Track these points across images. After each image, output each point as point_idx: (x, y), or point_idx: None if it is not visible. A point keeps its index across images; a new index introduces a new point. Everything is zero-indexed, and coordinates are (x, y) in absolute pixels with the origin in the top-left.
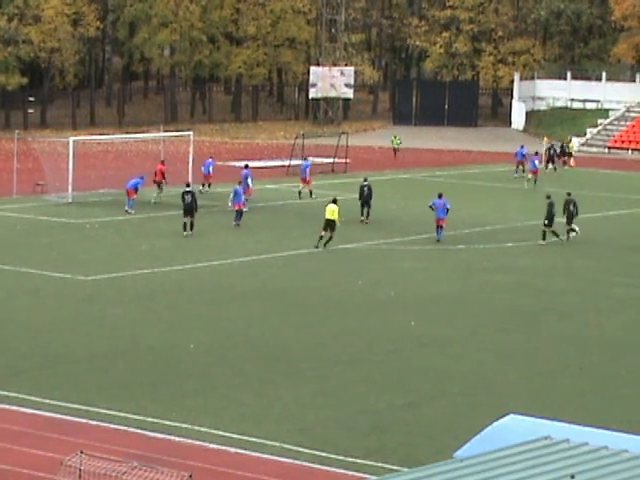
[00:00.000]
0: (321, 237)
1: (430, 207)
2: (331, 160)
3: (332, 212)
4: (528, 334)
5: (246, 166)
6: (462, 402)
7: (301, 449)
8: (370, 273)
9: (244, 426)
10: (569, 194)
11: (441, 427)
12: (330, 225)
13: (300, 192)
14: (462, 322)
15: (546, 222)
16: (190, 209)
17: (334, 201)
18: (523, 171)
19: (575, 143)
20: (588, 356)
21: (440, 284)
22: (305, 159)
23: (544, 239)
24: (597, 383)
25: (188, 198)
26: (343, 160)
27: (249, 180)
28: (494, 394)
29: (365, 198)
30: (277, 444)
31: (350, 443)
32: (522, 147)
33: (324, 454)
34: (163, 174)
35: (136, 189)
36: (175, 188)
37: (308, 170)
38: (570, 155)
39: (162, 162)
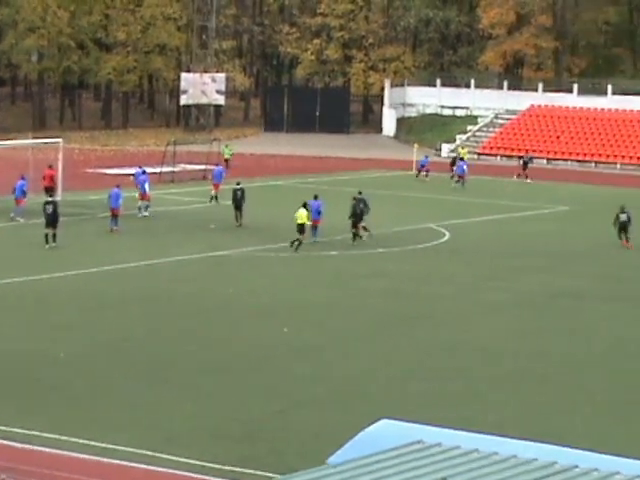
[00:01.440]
0: (298, 240)
1: (304, 206)
2: (203, 167)
3: (302, 216)
4: (401, 339)
5: (144, 172)
6: (335, 408)
7: (170, 457)
8: (242, 280)
9: (112, 435)
10: (360, 193)
11: (314, 433)
12: (301, 229)
13: (215, 197)
14: (335, 328)
15: (353, 220)
16: (52, 220)
17: (304, 206)
18: (424, 176)
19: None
20: (459, 361)
21: (313, 290)
22: (217, 165)
23: (355, 240)
24: (469, 387)
25: (49, 209)
26: (215, 167)
27: (146, 185)
28: (367, 399)
29: (238, 202)
30: (146, 452)
31: (220, 451)
32: (426, 157)
33: (193, 462)
34: (52, 179)
35: (24, 193)
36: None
37: (224, 175)
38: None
39: (50, 167)
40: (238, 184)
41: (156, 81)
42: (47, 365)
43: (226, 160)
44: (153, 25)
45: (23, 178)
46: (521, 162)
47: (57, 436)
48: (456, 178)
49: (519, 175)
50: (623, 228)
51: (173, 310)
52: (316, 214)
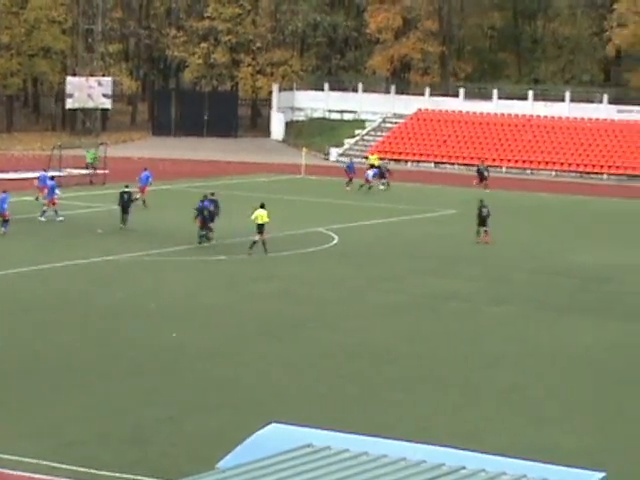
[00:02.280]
0: (255, 242)
1: (196, 210)
2: (90, 171)
3: (262, 216)
4: (292, 343)
5: (52, 177)
6: (226, 412)
7: (61, 465)
8: (132, 285)
9: (1, 443)
10: (212, 194)
11: (205, 438)
12: (261, 229)
13: (144, 201)
14: (226, 333)
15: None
16: None
17: (262, 206)
18: (350, 182)
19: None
20: (349, 364)
21: (203, 295)
22: (145, 169)
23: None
24: (361, 390)
25: None
26: (102, 171)
27: (57, 190)
28: (258, 404)
29: (125, 205)
30: (35, 461)
31: (112, 457)
32: (352, 162)
33: (84, 469)
34: None
35: None
36: None
37: (151, 179)
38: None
39: None
40: (126, 187)
41: (41, 85)
42: None
43: (88, 165)
44: (37, 28)
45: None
46: (476, 172)
47: None
48: (371, 183)
49: (477, 184)
50: (483, 223)
51: (62, 315)
52: (210, 216)
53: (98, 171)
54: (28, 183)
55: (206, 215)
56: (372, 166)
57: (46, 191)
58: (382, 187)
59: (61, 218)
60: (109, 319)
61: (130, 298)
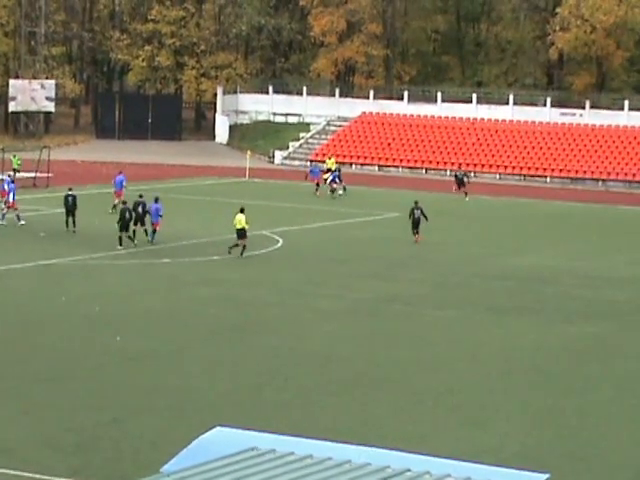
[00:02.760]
0: (236, 245)
1: (242, 210)
2: (33, 174)
3: (240, 221)
4: (234, 347)
5: (13, 181)
6: (169, 416)
7: (2, 470)
8: (74, 289)
9: None
10: (141, 195)
11: (148, 442)
12: (241, 234)
13: (114, 206)
14: (169, 336)
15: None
16: None
17: (241, 210)
18: (318, 187)
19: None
20: (292, 368)
21: (146, 298)
22: (120, 172)
23: (121, 244)
24: (301, 394)
25: None
26: (45, 174)
27: (12, 195)
28: (201, 407)
29: (70, 207)
30: None
31: (54, 462)
32: (315, 166)
33: (27, 474)
34: None
35: None
36: None
37: (125, 183)
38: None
39: None
40: (70, 190)
41: None
42: None
43: (14, 170)
44: None
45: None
46: (454, 178)
47: None
48: (333, 187)
49: (456, 191)
50: (416, 223)
51: (2, 320)
52: (155, 217)
53: (40, 174)
54: None
55: (127, 217)
56: (329, 170)
57: (8, 195)
58: (341, 192)
59: (23, 222)
60: (50, 323)
61: (72, 302)
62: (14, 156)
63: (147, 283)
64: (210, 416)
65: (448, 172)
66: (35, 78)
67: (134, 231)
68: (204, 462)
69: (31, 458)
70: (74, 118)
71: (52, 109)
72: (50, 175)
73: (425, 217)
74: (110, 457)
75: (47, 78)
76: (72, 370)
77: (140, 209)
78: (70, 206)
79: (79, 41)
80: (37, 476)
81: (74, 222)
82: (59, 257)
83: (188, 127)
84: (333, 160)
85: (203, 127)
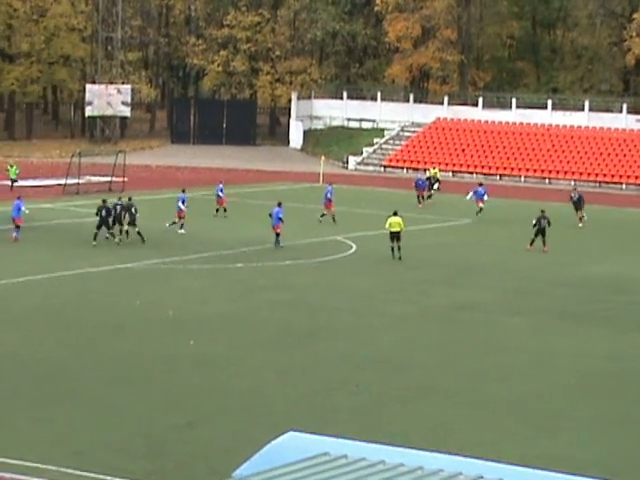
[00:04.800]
0: (392, 248)
1: (270, 215)
2: (109, 179)
3: (398, 224)
4: (305, 352)
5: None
6: (241, 421)
7: (76, 472)
8: (148, 293)
9: (18, 450)
10: (130, 198)
11: (220, 446)
12: (396, 236)
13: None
14: (240, 341)
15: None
16: None
17: (395, 213)
18: (422, 199)
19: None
20: (363, 373)
21: (219, 303)
22: (220, 182)
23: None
24: (373, 400)
25: None
26: (120, 179)
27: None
28: (273, 412)
29: (103, 219)
30: (52, 468)
31: (126, 465)
32: (420, 178)
33: (100, 477)
34: None
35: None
36: None
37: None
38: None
39: None
40: (130, 199)
41: (60, 92)
42: None
43: (12, 180)
44: (57, 36)
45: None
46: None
47: None
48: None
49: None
50: (542, 232)
51: (79, 323)
52: (277, 220)
53: (116, 179)
54: (44, 190)
55: (104, 216)
56: (430, 178)
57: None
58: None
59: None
60: (125, 326)
61: (147, 305)
62: (11, 166)
63: (220, 287)
64: (282, 420)
65: (523, 179)
66: (111, 83)
67: (127, 231)
68: (276, 467)
69: (103, 461)
70: (149, 123)
71: (128, 114)
72: (125, 179)
73: (549, 225)
74: (181, 461)
75: (123, 83)
76: (146, 373)
77: (119, 209)
78: (104, 218)
79: (155, 46)
80: (108, 478)
81: (133, 232)
82: (133, 261)
83: (262, 132)
84: (437, 169)
85: (277, 132)
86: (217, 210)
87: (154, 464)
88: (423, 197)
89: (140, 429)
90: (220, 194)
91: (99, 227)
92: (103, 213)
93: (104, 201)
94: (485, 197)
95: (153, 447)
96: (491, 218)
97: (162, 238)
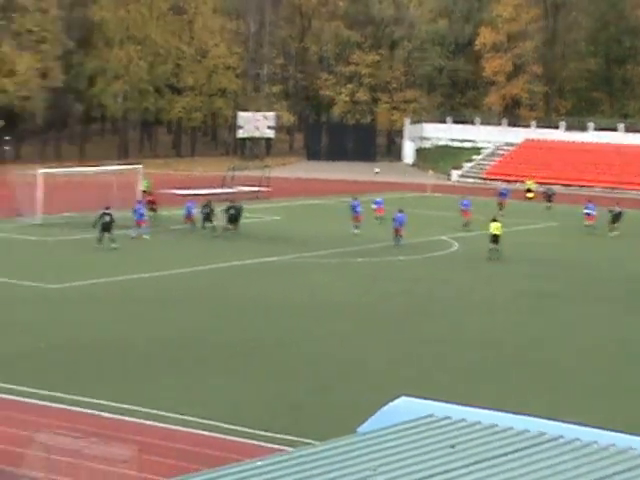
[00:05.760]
0: (490, 250)
1: (393, 219)
2: (256, 189)
3: (497, 228)
4: (410, 332)
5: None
6: (363, 386)
7: (229, 426)
8: (286, 282)
9: (184, 407)
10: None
11: (348, 407)
12: (495, 239)
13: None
14: (362, 323)
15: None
16: (107, 227)
17: (494, 220)
18: (502, 207)
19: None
20: (456, 351)
21: (343, 290)
22: (464, 197)
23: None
24: (469, 371)
25: (107, 218)
26: (266, 189)
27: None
28: (389, 380)
29: (106, 225)
30: (209, 422)
31: (270, 421)
32: (506, 188)
33: (249, 430)
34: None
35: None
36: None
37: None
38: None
39: (150, 193)
40: (238, 204)
41: (218, 118)
42: (135, 347)
43: (144, 192)
44: (216, 73)
45: (140, 202)
46: (545, 193)
47: (147, 410)
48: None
49: (548, 206)
50: (615, 220)
51: (231, 306)
52: (399, 224)
53: (263, 189)
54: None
55: (108, 221)
56: (529, 190)
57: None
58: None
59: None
60: (268, 310)
61: (284, 293)
62: (144, 180)
63: (344, 278)
64: (396, 388)
65: (599, 189)
66: (258, 111)
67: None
68: (391, 425)
69: (250, 417)
70: (289, 143)
71: (272, 136)
72: (270, 189)
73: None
74: (316, 419)
75: (268, 111)
76: (283, 347)
77: (108, 218)
78: (106, 224)
79: (294, 80)
80: (257, 432)
81: (237, 227)
82: (274, 256)
83: (381, 151)
84: (533, 181)
85: (393, 150)
86: (465, 224)
87: (292, 420)
88: (503, 205)
89: (281, 391)
90: (466, 207)
91: (107, 231)
92: (107, 219)
93: (107, 208)
94: (594, 213)
95: (292, 406)
96: (574, 222)
97: (298, 237)
